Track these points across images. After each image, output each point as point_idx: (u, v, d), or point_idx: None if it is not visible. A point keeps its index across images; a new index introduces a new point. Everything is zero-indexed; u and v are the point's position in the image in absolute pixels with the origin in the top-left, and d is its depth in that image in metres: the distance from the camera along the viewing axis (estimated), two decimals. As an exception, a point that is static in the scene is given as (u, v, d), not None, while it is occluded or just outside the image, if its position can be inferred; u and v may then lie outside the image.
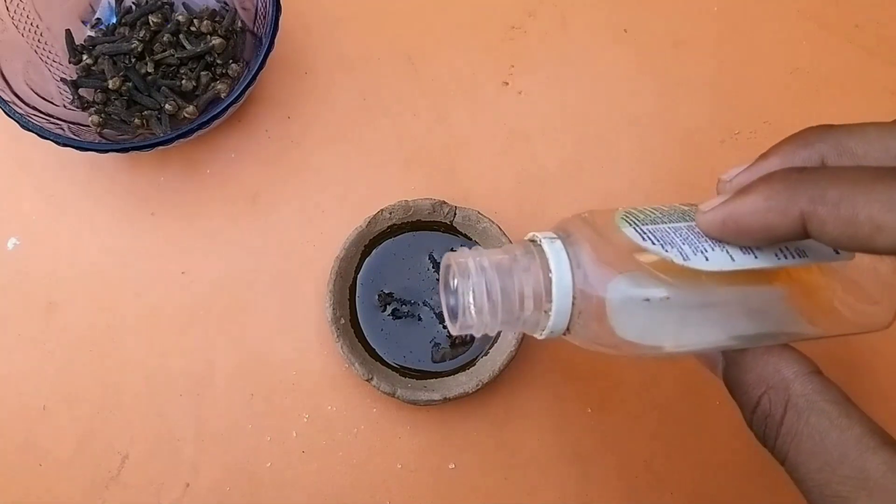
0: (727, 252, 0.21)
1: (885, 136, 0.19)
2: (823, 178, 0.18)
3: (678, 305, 0.21)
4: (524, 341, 0.36)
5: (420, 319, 0.38)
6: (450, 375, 0.37)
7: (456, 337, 0.38)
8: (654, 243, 0.21)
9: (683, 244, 0.21)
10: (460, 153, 0.42)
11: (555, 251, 0.22)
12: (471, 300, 0.23)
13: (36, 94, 0.38)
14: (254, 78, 0.37)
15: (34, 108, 0.37)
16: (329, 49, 0.44)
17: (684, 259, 0.21)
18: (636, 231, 0.22)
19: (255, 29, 0.41)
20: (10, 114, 0.35)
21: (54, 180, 0.41)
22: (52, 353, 0.39)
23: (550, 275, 0.22)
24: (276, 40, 0.37)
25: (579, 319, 0.22)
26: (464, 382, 0.36)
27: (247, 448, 0.38)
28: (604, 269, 0.22)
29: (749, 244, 0.21)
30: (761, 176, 0.20)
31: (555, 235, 0.23)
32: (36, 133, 0.35)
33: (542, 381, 0.38)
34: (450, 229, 0.39)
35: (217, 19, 0.41)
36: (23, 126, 0.35)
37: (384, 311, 0.38)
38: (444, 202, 0.39)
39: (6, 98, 0.36)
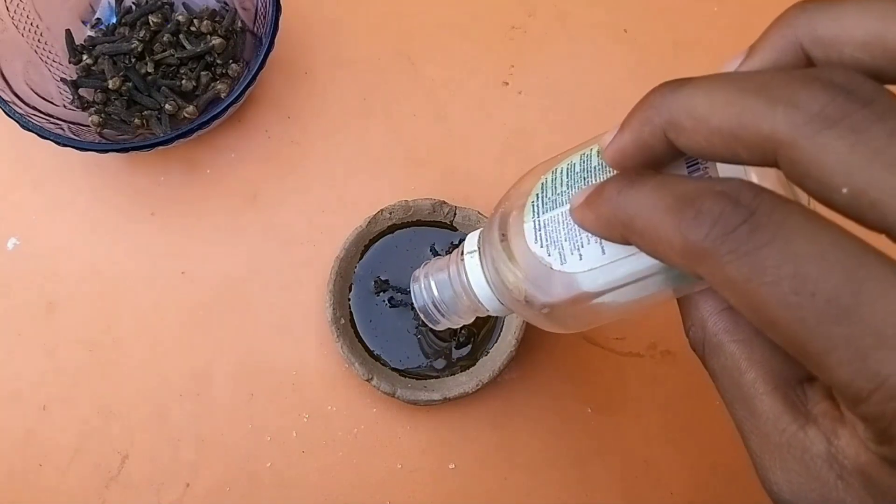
0: (600, 244, 0.22)
1: (709, 101, 0.18)
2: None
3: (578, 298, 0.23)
4: (524, 342, 0.36)
5: (414, 309, 0.38)
6: (450, 376, 0.37)
7: (449, 333, 0.38)
8: (542, 246, 0.23)
9: (566, 241, 0.23)
10: (460, 153, 0.42)
11: (472, 268, 0.27)
12: (426, 308, 0.29)
13: (36, 94, 0.38)
14: (254, 78, 0.37)
15: (34, 108, 0.37)
16: (329, 49, 0.44)
17: (561, 263, 0.23)
18: (533, 227, 0.23)
19: (255, 29, 0.41)
20: (10, 114, 0.35)
21: (54, 180, 0.41)
22: (52, 353, 0.39)
23: (472, 287, 0.27)
24: (276, 40, 0.37)
25: (512, 308, 0.26)
26: (464, 382, 0.36)
27: (247, 448, 0.38)
28: (500, 286, 0.25)
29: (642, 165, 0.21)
30: (590, 205, 0.20)
31: (476, 248, 0.27)
32: (36, 133, 0.35)
33: (542, 381, 0.38)
34: (450, 229, 0.39)
35: (217, 19, 0.41)
36: (23, 126, 0.35)
37: (379, 296, 0.38)
38: (444, 202, 0.39)
39: (6, 98, 0.36)
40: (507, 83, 0.43)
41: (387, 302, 0.38)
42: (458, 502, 0.37)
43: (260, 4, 0.40)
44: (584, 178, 0.23)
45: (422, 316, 0.29)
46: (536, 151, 0.42)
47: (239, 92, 0.36)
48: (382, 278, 0.38)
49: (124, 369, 0.39)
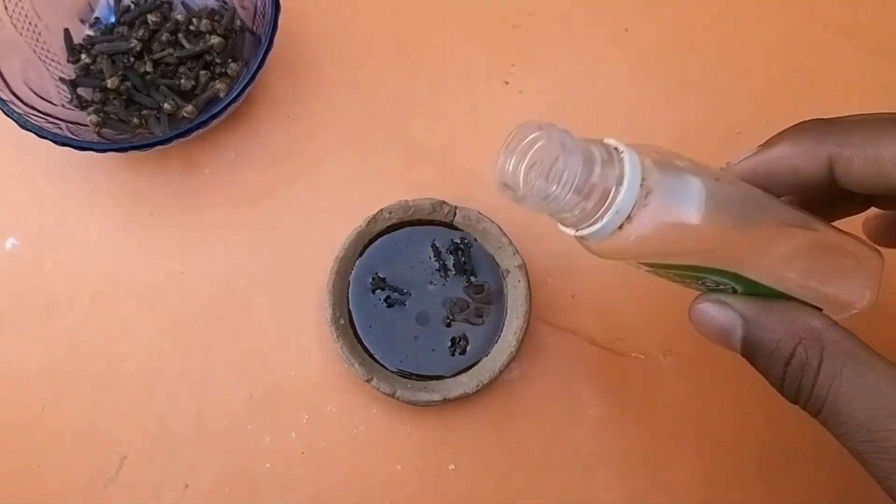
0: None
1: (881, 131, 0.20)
2: (847, 123, 0.20)
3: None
4: (524, 342, 0.36)
5: (407, 307, 0.38)
6: (450, 377, 0.37)
7: (456, 339, 0.38)
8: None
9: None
10: (460, 153, 0.42)
11: (632, 161, 0.22)
12: (549, 167, 0.23)
13: (34, 93, 0.38)
14: (253, 77, 0.36)
15: (32, 108, 0.37)
16: (329, 49, 0.43)
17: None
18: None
19: (255, 28, 0.41)
20: (9, 113, 0.35)
21: (52, 180, 0.41)
22: (51, 353, 0.39)
23: (621, 187, 0.22)
24: (275, 39, 0.37)
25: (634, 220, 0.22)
26: (464, 383, 0.36)
27: (246, 449, 0.37)
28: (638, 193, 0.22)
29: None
30: (788, 127, 0.21)
31: (633, 150, 0.23)
32: (34, 132, 0.35)
33: (542, 381, 0.38)
34: (450, 228, 0.39)
35: (216, 18, 0.41)
36: (21, 125, 0.35)
37: (375, 294, 0.38)
38: (444, 202, 0.38)
39: (4, 97, 0.36)
40: (507, 82, 0.43)
41: (383, 301, 0.38)
42: (457, 502, 0.37)
43: (259, 3, 0.40)
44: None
45: (504, 181, 0.24)
46: (536, 151, 0.42)
47: (238, 91, 0.36)
48: (380, 275, 0.38)
49: (122, 369, 0.39)
